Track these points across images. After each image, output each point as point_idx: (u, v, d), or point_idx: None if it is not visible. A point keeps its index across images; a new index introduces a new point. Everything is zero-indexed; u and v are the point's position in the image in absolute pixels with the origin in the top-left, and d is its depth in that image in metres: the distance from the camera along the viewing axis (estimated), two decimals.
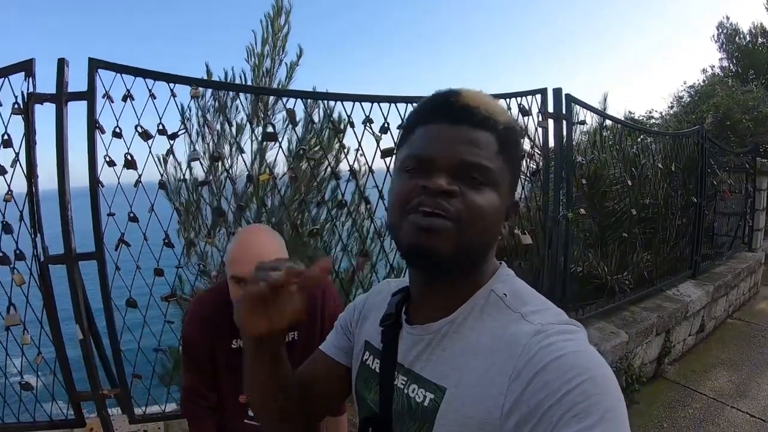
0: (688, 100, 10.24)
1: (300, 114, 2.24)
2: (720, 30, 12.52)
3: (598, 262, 3.64)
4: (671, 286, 4.17)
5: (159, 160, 2.08)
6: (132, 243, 1.90)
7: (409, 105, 2.17)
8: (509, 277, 0.65)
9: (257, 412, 0.78)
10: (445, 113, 0.61)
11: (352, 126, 2.15)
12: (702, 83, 10.82)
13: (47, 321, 1.91)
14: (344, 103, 2.13)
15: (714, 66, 12.60)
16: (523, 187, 2.94)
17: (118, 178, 1.80)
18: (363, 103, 2.15)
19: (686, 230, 4.48)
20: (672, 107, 10.66)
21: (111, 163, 1.81)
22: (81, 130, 1.83)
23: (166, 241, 1.91)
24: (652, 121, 9.75)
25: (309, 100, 2.25)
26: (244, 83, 2.56)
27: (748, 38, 12.15)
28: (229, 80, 2.53)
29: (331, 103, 2.20)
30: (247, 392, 0.74)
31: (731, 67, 12.28)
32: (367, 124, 2.14)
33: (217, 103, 2.26)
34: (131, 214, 1.84)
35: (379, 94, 2.17)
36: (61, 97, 1.73)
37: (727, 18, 12.55)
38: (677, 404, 3.08)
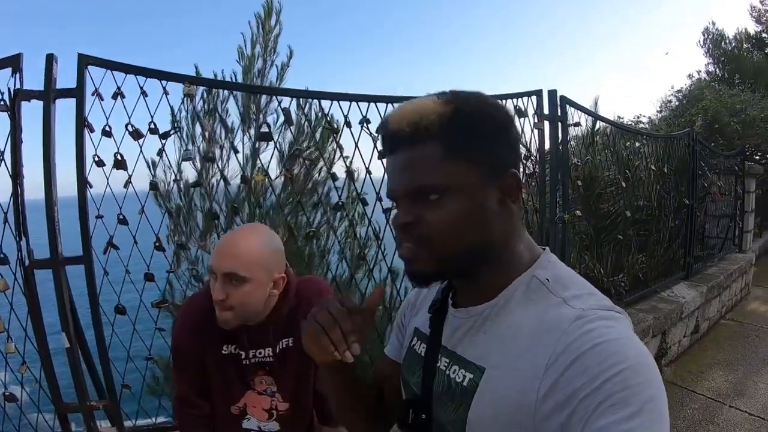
0: (677, 104, 10.39)
1: (292, 115, 2.20)
2: (706, 35, 12.73)
3: (594, 264, 3.63)
4: (665, 287, 4.19)
5: (149, 161, 2.01)
6: (120, 247, 1.83)
7: None
8: (552, 263, 0.65)
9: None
10: (385, 146, 0.64)
11: (349, 126, 2.11)
12: (689, 88, 11.00)
13: (32, 329, 1.84)
14: (341, 103, 2.10)
15: (700, 71, 12.83)
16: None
17: (107, 179, 1.73)
18: (360, 103, 2.11)
19: (679, 232, 4.51)
20: (661, 111, 10.82)
21: (100, 163, 1.75)
22: (68, 130, 1.77)
23: (157, 244, 1.84)
24: (641, 125, 9.88)
25: (303, 100, 2.21)
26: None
27: (733, 43, 12.39)
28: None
29: (326, 102, 2.16)
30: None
31: (717, 71, 12.50)
32: (365, 125, 2.10)
33: (209, 105, 2.19)
34: (121, 216, 1.77)
35: (376, 94, 2.14)
36: (49, 94, 1.66)
37: (713, 23, 12.78)
38: (676, 405, 3.07)
